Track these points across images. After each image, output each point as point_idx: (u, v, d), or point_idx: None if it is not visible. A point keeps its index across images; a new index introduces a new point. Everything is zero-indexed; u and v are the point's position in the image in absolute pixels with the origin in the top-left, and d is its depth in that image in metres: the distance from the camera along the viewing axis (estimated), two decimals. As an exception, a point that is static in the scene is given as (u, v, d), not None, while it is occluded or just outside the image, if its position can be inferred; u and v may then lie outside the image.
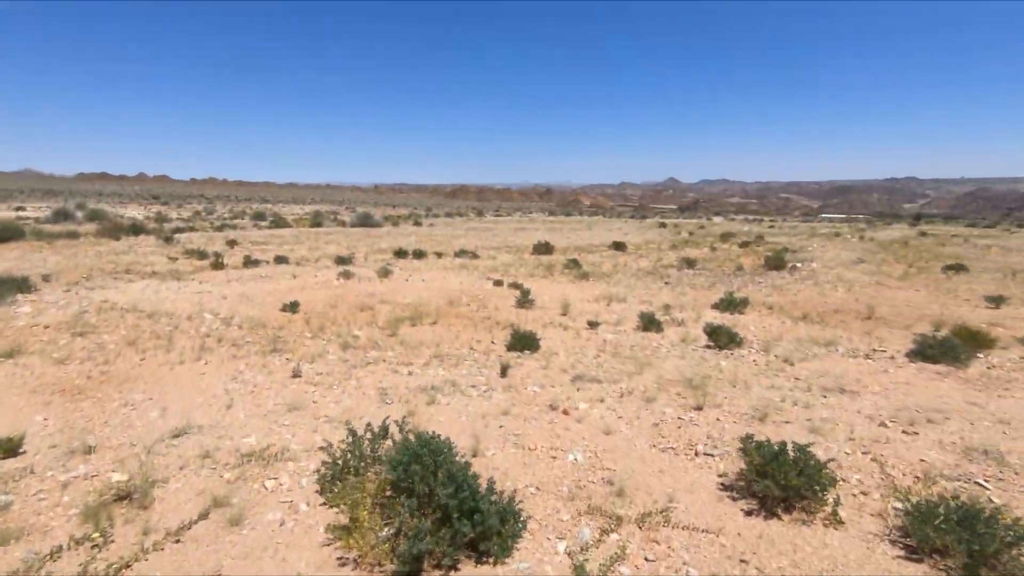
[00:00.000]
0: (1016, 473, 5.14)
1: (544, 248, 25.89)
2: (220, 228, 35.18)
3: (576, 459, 5.39)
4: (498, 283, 16.19)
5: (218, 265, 17.95)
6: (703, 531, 4.24)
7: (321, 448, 5.39)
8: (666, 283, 17.98)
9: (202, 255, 20.27)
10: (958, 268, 20.77)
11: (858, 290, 16.54)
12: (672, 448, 5.69)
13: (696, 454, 5.54)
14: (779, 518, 4.41)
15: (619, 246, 28.40)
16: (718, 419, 6.43)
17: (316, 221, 43.05)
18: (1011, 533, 3.73)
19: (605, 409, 6.72)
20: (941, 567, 3.79)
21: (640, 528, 4.27)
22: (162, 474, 4.94)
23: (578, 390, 7.45)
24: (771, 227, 51.41)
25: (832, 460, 4.93)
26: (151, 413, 6.36)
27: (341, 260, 20.29)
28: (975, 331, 9.67)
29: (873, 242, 32.43)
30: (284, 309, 11.73)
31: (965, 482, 5.00)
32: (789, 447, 4.68)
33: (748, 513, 4.50)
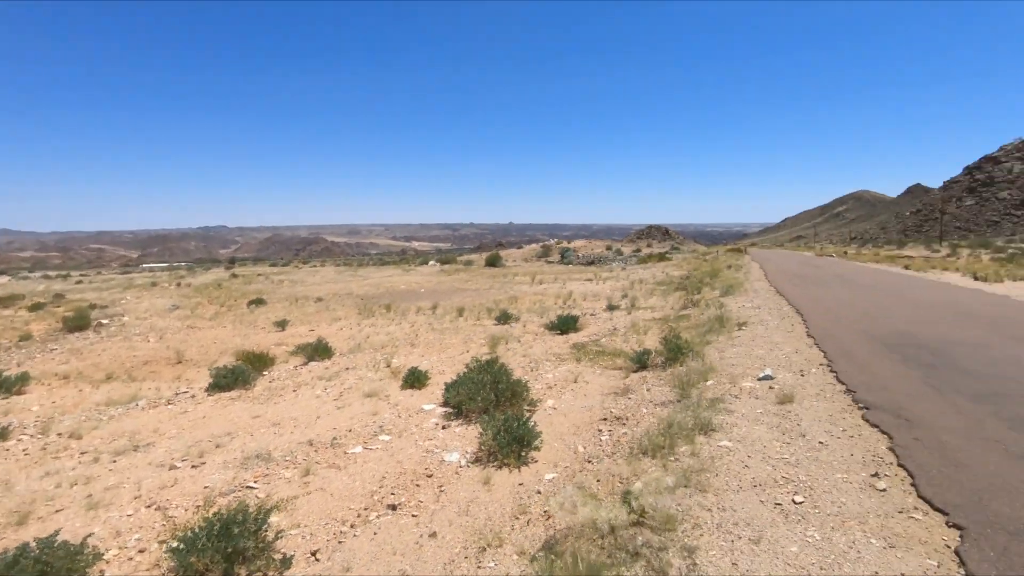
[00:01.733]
0: (278, 464, 6.21)
1: None
2: None
3: None
4: None
5: None
6: None
7: None
8: None
9: None
10: (259, 302, 24.30)
11: (170, 337, 16.52)
12: None
13: None
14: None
15: None
16: (-52, 551, 4.69)
17: None
18: (261, 515, 4.38)
19: None
20: (208, 585, 4.01)
21: None
22: None
23: None
24: (79, 283, 44.70)
25: (91, 535, 4.43)
26: None
27: None
28: (259, 354, 11.38)
29: (190, 287, 33.55)
30: None
31: (239, 490, 5.61)
32: (33, 546, 3.86)
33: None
